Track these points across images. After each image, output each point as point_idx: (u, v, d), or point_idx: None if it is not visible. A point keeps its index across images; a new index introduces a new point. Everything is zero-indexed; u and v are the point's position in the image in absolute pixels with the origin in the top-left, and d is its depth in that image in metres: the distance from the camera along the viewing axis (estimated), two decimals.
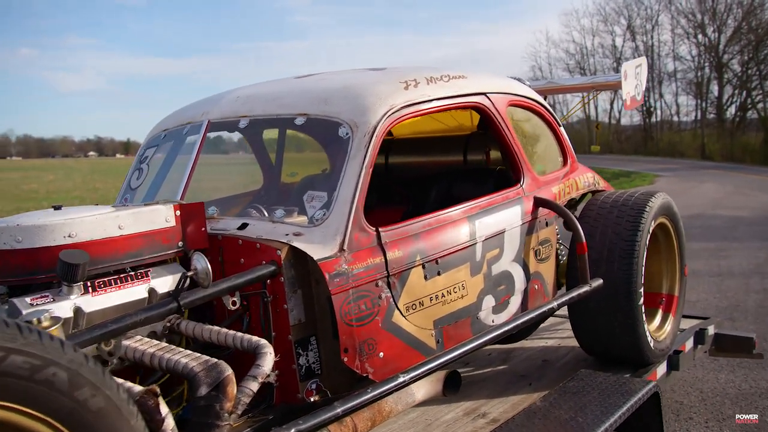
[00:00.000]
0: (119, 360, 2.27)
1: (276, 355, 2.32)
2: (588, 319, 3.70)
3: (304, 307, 2.54)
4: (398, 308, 2.68)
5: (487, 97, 3.29)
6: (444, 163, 4.32)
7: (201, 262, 2.21)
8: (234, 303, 2.45)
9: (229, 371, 2.08)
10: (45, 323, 1.83)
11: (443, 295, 2.88)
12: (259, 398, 2.50)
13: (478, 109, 3.29)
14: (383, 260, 2.64)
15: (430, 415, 3.33)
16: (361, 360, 2.55)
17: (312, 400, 2.54)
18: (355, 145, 2.68)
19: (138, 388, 1.93)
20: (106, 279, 2.31)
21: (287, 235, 2.57)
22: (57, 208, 2.47)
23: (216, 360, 2.11)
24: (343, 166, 2.67)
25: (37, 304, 2.13)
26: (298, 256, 2.51)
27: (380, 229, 2.67)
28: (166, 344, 2.26)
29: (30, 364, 1.35)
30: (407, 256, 2.73)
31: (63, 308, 2.16)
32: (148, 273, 2.41)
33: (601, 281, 3.45)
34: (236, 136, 3.89)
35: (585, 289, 3.36)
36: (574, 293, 3.32)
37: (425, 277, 2.80)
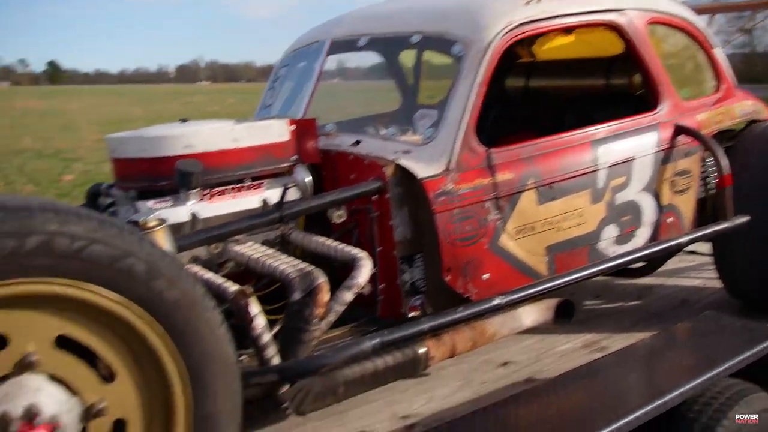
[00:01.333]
0: (235, 264, 2.44)
1: (380, 271, 2.38)
2: (734, 259, 3.45)
3: (410, 224, 2.57)
4: (507, 231, 2.65)
5: (623, 14, 3.07)
6: (584, 88, 4.11)
7: (301, 175, 2.29)
8: (339, 217, 2.53)
9: (322, 279, 2.17)
10: (150, 223, 2.00)
11: (558, 222, 2.79)
12: (365, 310, 2.60)
13: (611, 26, 3.08)
14: (492, 182, 2.60)
15: (545, 344, 3.30)
16: (463, 280, 2.56)
17: (414, 315, 2.60)
18: (467, 63, 2.63)
19: (234, 288, 2.07)
20: (221, 188, 2.46)
21: (396, 152, 2.59)
22: (183, 121, 2.65)
23: (311, 267, 2.21)
24: (454, 85, 2.63)
25: (157, 208, 2.33)
26: (405, 173, 2.53)
27: (492, 150, 2.63)
28: (271, 251, 2.39)
29: (110, 254, 1.49)
30: (519, 179, 2.67)
31: (180, 213, 2.35)
32: (262, 184, 2.54)
33: (745, 218, 3.18)
34: (372, 60, 3.95)
35: (724, 225, 3.13)
36: (710, 229, 3.10)
37: (538, 202, 2.73)
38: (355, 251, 2.37)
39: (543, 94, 4.40)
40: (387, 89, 4.44)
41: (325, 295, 2.16)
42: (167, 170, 2.36)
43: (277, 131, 2.57)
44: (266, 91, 3.60)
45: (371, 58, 4.24)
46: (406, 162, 2.53)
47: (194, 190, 2.36)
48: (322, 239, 2.48)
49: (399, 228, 2.56)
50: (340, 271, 2.39)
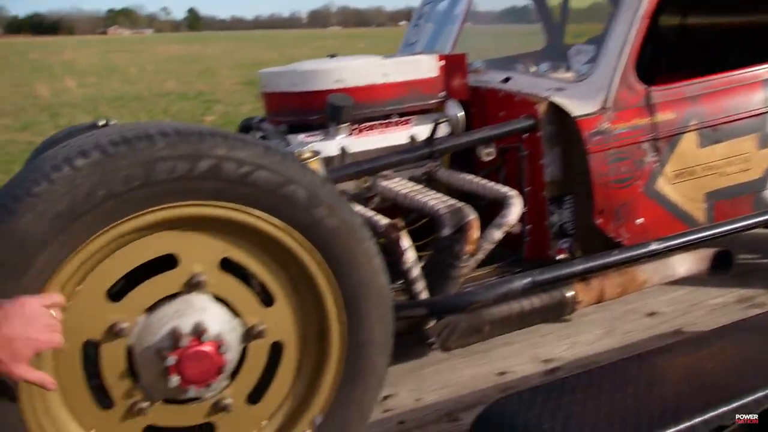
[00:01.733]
0: (380, 199, 2.45)
1: (528, 211, 2.32)
2: None
3: (561, 164, 2.48)
4: (664, 175, 2.50)
5: None
6: (749, 25, 3.78)
7: (453, 110, 2.24)
8: (488, 155, 2.47)
9: (472, 216, 2.13)
10: (305, 155, 2.02)
11: (720, 167, 2.61)
12: (510, 251, 2.55)
13: None
14: (651, 122, 2.45)
15: (696, 296, 3.13)
16: (616, 224, 2.45)
17: (561, 257, 2.53)
18: None
19: (385, 221, 2.07)
20: (370, 123, 2.45)
21: (548, 89, 2.49)
22: (332, 56, 2.65)
23: (461, 204, 2.17)
24: (614, 16, 2.48)
25: (308, 141, 2.36)
26: (557, 111, 2.43)
27: (652, 89, 2.47)
28: (419, 187, 2.37)
29: (274, 180, 1.51)
30: (680, 120, 2.50)
31: (329, 147, 2.36)
32: (410, 120, 2.51)
33: None
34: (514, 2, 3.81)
35: None
36: None
37: (700, 145, 2.55)
38: (506, 189, 2.31)
39: (701, 32, 4.09)
40: (528, 32, 4.32)
41: (475, 232, 2.13)
42: (318, 104, 2.37)
43: (426, 67, 2.52)
44: (410, 29, 3.54)
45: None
46: (559, 99, 2.42)
47: (344, 125, 2.36)
48: (470, 177, 2.44)
49: (549, 168, 2.47)
50: (485, 211, 2.34)
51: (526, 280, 2.10)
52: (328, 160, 2.32)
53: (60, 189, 1.34)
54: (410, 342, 2.24)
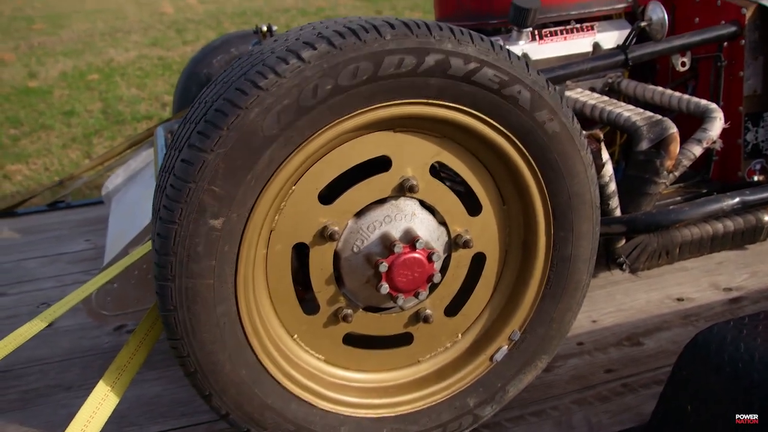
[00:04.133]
0: None
1: (726, 123, 2.13)
2: None
3: (763, 77, 2.26)
4: None
5: None
6: None
7: (657, 13, 2.05)
8: (683, 64, 2.27)
9: (674, 129, 1.96)
10: None
11: None
12: (695, 170, 2.37)
13: None
14: None
15: None
16: None
17: (755, 179, 2.33)
18: None
19: (583, 131, 1.93)
20: (552, 29, 2.29)
21: None
22: None
23: (660, 117, 2.01)
24: None
25: None
26: (766, 17, 2.19)
27: None
28: (606, 98, 2.21)
29: (499, 79, 1.40)
30: None
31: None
32: (594, 26, 2.33)
33: None
34: None
35: None
36: None
37: None
38: (706, 102, 2.12)
39: None
40: None
41: (676, 147, 1.96)
42: (498, 8, 2.23)
43: None
44: None
45: None
46: None
47: (527, 29, 2.21)
48: (661, 89, 2.25)
49: (750, 80, 2.25)
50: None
51: (736, 200, 1.94)
52: None
53: (288, 82, 1.27)
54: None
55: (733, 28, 2.20)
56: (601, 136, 1.88)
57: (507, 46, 2.18)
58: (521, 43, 2.24)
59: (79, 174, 3.71)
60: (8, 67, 9.01)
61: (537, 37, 2.28)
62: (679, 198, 2.30)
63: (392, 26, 1.32)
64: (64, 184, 3.80)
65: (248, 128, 1.28)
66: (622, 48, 2.16)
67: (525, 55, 2.23)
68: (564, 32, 2.31)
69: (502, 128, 1.45)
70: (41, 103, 7.26)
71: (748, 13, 2.18)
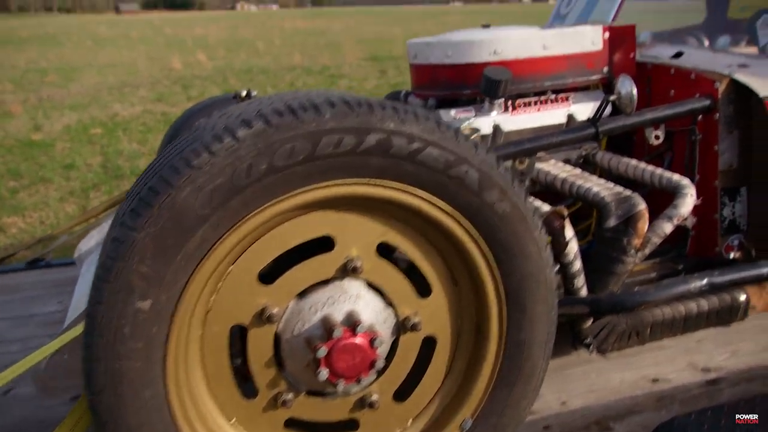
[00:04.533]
0: (531, 182, 2.26)
1: (697, 199, 2.09)
2: None
3: (738, 151, 2.22)
4: None
5: None
6: None
7: (626, 86, 2.02)
8: (657, 137, 2.23)
9: (642, 206, 1.92)
10: (465, 132, 1.86)
11: None
12: (671, 245, 2.31)
13: None
14: None
15: None
16: None
17: (731, 256, 2.27)
18: None
19: (547, 207, 1.89)
20: (526, 100, 2.27)
21: (730, 66, 2.22)
22: (486, 26, 2.47)
23: (630, 192, 1.96)
24: None
25: (460, 118, 2.20)
26: (739, 91, 2.16)
27: None
28: (580, 171, 2.17)
29: (445, 159, 1.36)
30: None
31: (483, 124, 2.19)
32: (569, 97, 2.31)
33: None
34: None
35: None
36: None
37: None
38: (678, 177, 2.07)
39: None
40: (682, 8, 4.01)
41: (645, 224, 1.91)
42: (472, 78, 2.21)
43: (590, 39, 2.30)
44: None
45: None
46: (743, 77, 2.15)
47: (499, 101, 2.19)
48: (635, 162, 2.21)
49: (725, 154, 2.21)
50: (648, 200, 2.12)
51: (703, 282, 1.88)
52: (481, 139, 2.16)
53: (221, 161, 1.24)
54: (557, 340, 2.05)
55: (706, 102, 2.17)
56: (565, 212, 1.83)
57: (479, 117, 2.21)
58: (493, 114, 2.21)
59: (58, 233, 3.69)
60: (15, 119, 9.12)
61: (510, 107, 2.25)
62: (653, 274, 2.24)
63: (332, 105, 1.30)
64: (44, 242, 3.78)
65: (180, 207, 1.24)
66: (592, 121, 2.13)
67: (497, 127, 2.20)
68: (538, 103, 2.29)
69: (448, 209, 1.41)
70: (43, 155, 7.31)
71: (721, 86, 2.15)
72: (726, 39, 2.39)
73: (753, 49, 2.33)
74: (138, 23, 42.06)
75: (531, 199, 1.96)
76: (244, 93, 2.86)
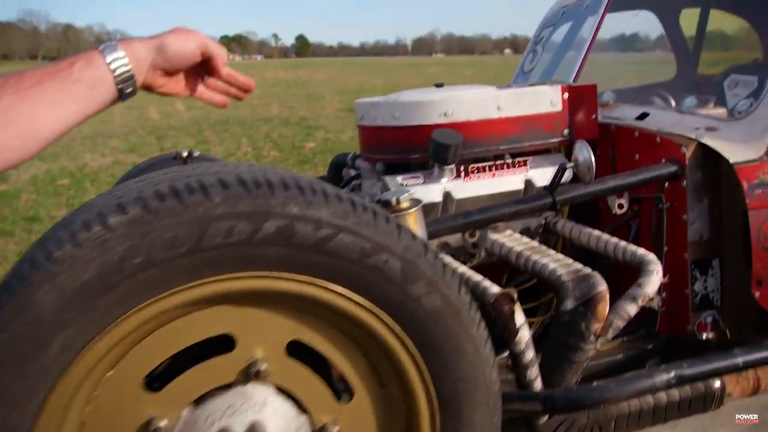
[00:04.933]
0: (486, 254, 2.07)
1: (665, 277, 1.91)
2: None
3: (709, 220, 2.05)
4: None
5: None
6: None
7: (584, 153, 1.85)
8: (621, 206, 2.06)
9: (602, 287, 1.72)
10: (404, 204, 1.67)
11: None
12: (639, 323, 2.12)
13: None
14: None
15: None
16: None
17: (705, 336, 2.08)
18: None
19: (495, 289, 1.69)
20: (480, 165, 2.09)
21: (697, 129, 2.06)
22: (439, 86, 2.30)
23: (589, 271, 1.77)
24: None
25: (407, 185, 2.02)
26: (708, 156, 2.00)
27: None
28: (537, 244, 1.98)
29: (360, 247, 1.17)
30: None
31: (432, 192, 2.01)
32: (527, 162, 2.14)
33: None
34: (650, 31, 3.43)
35: None
36: None
37: None
38: (643, 252, 1.88)
39: None
40: (652, 61, 3.94)
41: (605, 307, 1.72)
42: (420, 141, 2.03)
43: (548, 99, 2.13)
44: (526, 56, 3.17)
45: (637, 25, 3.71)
46: (711, 141, 1.99)
47: (450, 166, 2.01)
48: (597, 233, 2.03)
49: (694, 225, 2.04)
50: (611, 273, 1.94)
51: (671, 375, 1.68)
52: (429, 208, 1.98)
53: (87, 254, 1.04)
54: None
55: (673, 168, 2.01)
56: (515, 295, 1.63)
57: (428, 184, 2.02)
58: (443, 180, 2.03)
59: None
60: None
61: (463, 173, 2.07)
62: (620, 356, 2.05)
63: (225, 186, 1.10)
64: None
65: (36, 310, 1.03)
66: (549, 190, 1.96)
67: (447, 194, 2.02)
68: (493, 168, 2.11)
69: (367, 304, 1.21)
70: (6, 208, 7.09)
71: (688, 151, 1.99)
72: (693, 99, 2.24)
73: (722, 110, 2.18)
74: None
75: (478, 278, 1.76)
76: (185, 153, 2.67)
